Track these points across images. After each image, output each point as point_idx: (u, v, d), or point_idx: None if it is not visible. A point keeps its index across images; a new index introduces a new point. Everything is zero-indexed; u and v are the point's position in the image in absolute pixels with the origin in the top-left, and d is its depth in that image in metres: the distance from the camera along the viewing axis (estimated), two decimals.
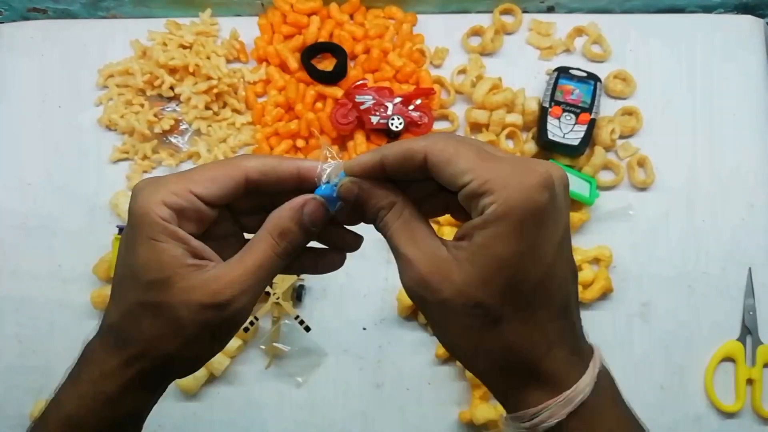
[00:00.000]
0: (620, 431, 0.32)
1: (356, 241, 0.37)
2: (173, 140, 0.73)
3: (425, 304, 0.31)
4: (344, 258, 0.37)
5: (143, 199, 0.31)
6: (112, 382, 0.32)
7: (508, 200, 0.28)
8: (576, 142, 0.68)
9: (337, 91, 0.72)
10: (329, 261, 0.37)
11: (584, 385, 0.30)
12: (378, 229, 0.33)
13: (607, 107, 0.72)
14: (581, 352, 0.32)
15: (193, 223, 0.32)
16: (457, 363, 0.63)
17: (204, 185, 0.32)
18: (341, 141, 0.72)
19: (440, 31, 0.77)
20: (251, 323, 0.63)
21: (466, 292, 0.29)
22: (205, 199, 0.32)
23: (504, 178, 0.28)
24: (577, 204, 0.68)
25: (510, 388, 0.31)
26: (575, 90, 0.70)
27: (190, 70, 0.72)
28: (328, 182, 0.33)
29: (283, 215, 0.33)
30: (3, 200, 0.72)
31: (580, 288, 0.65)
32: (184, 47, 0.74)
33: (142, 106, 0.73)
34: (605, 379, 0.32)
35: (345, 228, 0.36)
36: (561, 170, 0.30)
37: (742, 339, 0.64)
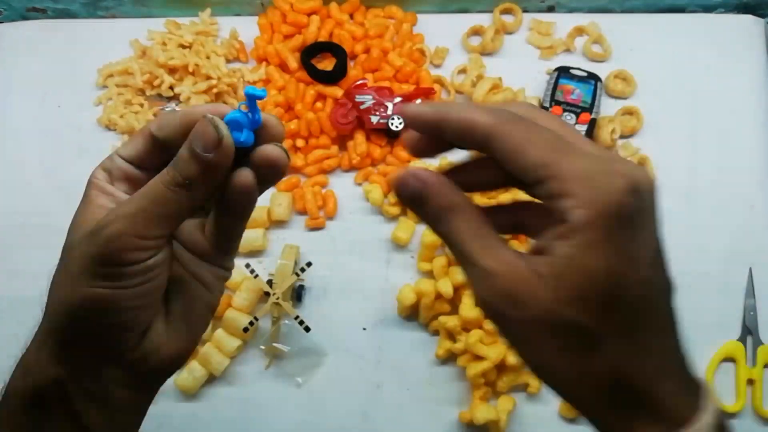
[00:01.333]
0: None
1: (273, 167, 0.31)
2: None
3: (508, 323, 0.27)
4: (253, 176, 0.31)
5: (93, 171, 0.33)
6: (37, 352, 0.33)
7: (594, 204, 0.24)
8: None
9: (337, 91, 0.72)
10: (238, 180, 0.30)
11: (704, 425, 0.26)
12: (439, 233, 0.28)
13: (607, 107, 0.72)
14: (693, 382, 0.27)
15: (123, 182, 0.33)
16: (458, 363, 0.63)
17: (125, 147, 0.33)
18: (341, 141, 0.72)
19: (440, 31, 0.76)
20: (251, 323, 0.62)
21: (556, 309, 0.25)
22: (125, 158, 0.33)
23: (586, 179, 0.25)
24: None
25: (617, 420, 0.27)
26: (575, 90, 0.70)
27: (190, 69, 0.72)
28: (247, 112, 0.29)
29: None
30: (2, 200, 0.72)
31: None
32: (184, 47, 0.74)
33: (141, 105, 0.73)
34: (723, 421, 0.27)
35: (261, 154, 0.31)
36: (647, 173, 0.27)
37: (742, 339, 0.64)
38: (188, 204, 0.30)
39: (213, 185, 0.30)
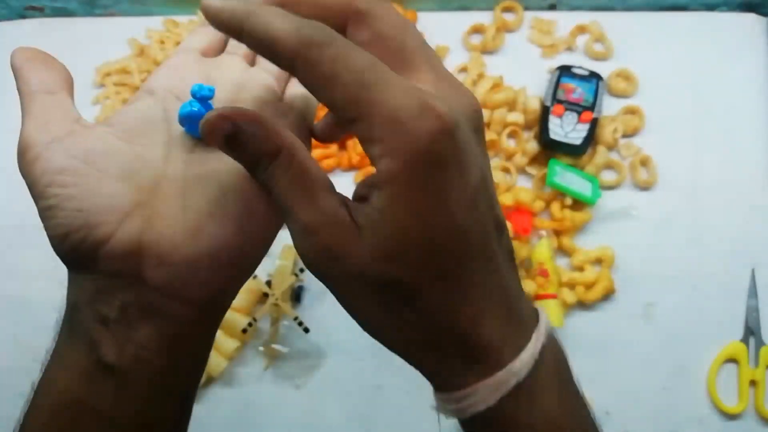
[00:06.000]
0: (563, 417, 0.27)
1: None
2: None
3: (330, 278, 0.25)
4: None
5: None
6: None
7: (400, 152, 0.23)
8: (578, 142, 0.67)
9: None
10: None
11: (521, 364, 0.25)
12: (260, 181, 0.26)
13: (609, 106, 0.72)
14: (520, 320, 0.27)
15: None
16: None
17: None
18: (341, 141, 0.71)
19: (441, 29, 0.76)
20: (249, 324, 0.62)
21: (375, 265, 0.24)
22: None
23: (395, 122, 0.23)
24: (579, 204, 0.67)
25: (437, 364, 0.27)
26: (577, 88, 0.70)
27: None
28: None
29: None
30: (1, 199, 0.71)
31: (581, 288, 0.64)
32: None
33: None
34: (550, 353, 0.27)
35: None
36: (470, 106, 0.25)
37: (745, 340, 0.64)
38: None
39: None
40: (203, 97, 0.28)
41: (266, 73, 0.33)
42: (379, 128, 0.23)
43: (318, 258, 0.25)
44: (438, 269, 0.24)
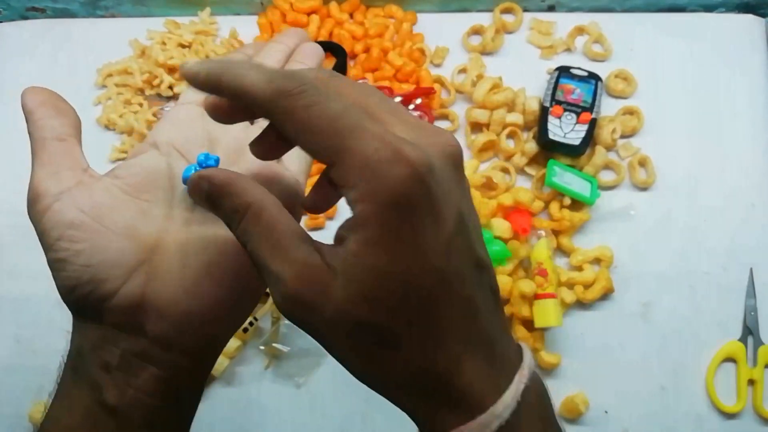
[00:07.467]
0: None
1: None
2: None
3: (305, 325, 0.26)
4: None
5: None
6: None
7: (374, 197, 0.23)
8: (577, 142, 0.67)
9: None
10: None
11: (503, 406, 0.25)
12: (236, 237, 0.27)
13: (608, 107, 0.72)
14: (503, 361, 0.27)
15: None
16: None
17: None
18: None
19: (440, 30, 0.76)
20: (250, 323, 0.62)
21: (349, 311, 0.24)
22: None
23: (368, 169, 0.23)
24: (578, 204, 0.67)
25: (419, 408, 0.27)
26: (576, 89, 0.70)
27: None
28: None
29: None
30: (1, 199, 0.72)
31: (580, 288, 0.65)
32: (183, 46, 0.74)
33: (141, 105, 0.73)
34: (533, 393, 0.27)
35: None
36: (445, 144, 0.25)
37: (743, 339, 0.64)
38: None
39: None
40: (208, 167, 0.30)
41: None
42: (354, 174, 0.23)
43: (292, 308, 0.25)
44: (413, 313, 0.25)
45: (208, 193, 0.26)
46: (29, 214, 0.30)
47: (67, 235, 0.28)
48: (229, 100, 0.26)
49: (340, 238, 0.25)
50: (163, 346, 0.29)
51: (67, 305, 0.30)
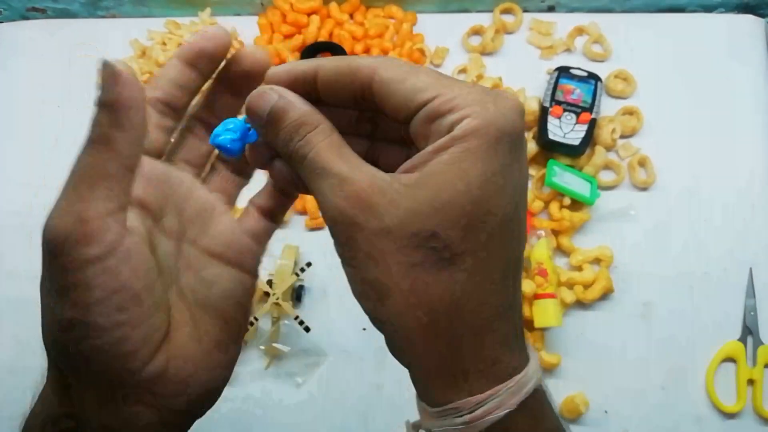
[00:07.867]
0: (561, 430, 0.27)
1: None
2: (172, 139, 0.73)
3: (360, 233, 0.24)
4: None
5: None
6: (49, 383, 0.29)
7: (484, 115, 0.23)
8: (577, 142, 0.67)
9: None
10: None
11: (533, 371, 0.25)
12: (291, 151, 0.26)
13: (607, 107, 0.72)
14: (521, 332, 0.26)
15: None
16: None
17: None
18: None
19: (440, 31, 0.76)
20: (250, 323, 0.62)
21: (419, 220, 0.23)
22: None
23: (474, 99, 0.24)
24: (577, 204, 0.67)
25: (442, 364, 0.25)
26: (576, 89, 0.70)
27: None
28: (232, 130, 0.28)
29: None
30: (1, 200, 0.72)
31: (580, 288, 0.65)
32: None
33: None
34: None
35: None
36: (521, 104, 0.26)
37: (743, 339, 0.64)
38: (117, 164, 0.24)
39: (134, 132, 0.25)
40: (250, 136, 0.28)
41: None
42: (460, 100, 0.24)
43: (351, 207, 0.24)
44: (482, 238, 0.24)
45: (276, 105, 0.26)
46: (55, 246, 0.23)
47: (116, 301, 0.24)
48: (322, 87, 0.26)
49: (410, 166, 0.24)
50: (172, 416, 0.29)
51: (70, 369, 0.26)
